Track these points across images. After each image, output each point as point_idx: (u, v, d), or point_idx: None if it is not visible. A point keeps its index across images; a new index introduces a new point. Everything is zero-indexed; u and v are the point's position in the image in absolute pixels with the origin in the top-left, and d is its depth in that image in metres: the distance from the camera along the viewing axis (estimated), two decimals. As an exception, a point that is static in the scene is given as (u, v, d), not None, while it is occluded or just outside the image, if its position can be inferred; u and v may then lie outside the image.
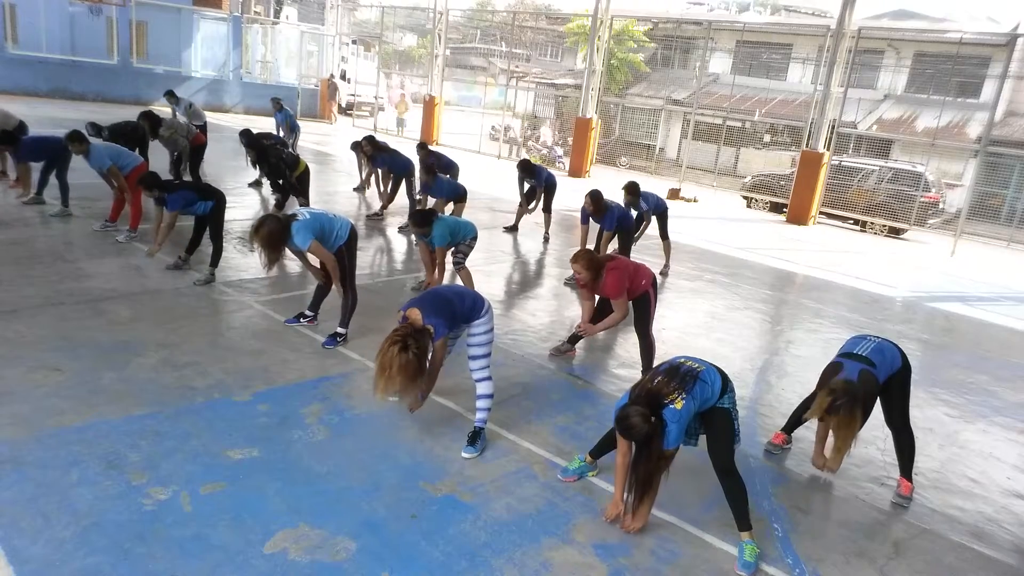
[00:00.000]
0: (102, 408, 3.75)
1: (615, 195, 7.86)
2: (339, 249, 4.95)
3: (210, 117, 15.56)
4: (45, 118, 13.95)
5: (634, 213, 7.78)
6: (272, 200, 9.04)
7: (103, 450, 3.37)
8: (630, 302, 4.83)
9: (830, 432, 3.57)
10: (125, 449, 3.40)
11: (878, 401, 3.89)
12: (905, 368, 3.84)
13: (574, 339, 5.42)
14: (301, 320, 5.31)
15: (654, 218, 8.25)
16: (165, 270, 6.14)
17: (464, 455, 3.72)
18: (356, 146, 10.64)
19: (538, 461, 3.80)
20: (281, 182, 8.51)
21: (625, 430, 2.98)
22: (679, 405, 2.99)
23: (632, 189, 7.90)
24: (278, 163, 8.38)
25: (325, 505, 3.18)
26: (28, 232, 6.87)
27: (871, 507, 3.80)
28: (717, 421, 3.20)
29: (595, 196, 7.08)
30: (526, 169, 9.59)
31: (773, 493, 3.81)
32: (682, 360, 3.25)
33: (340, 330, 5.05)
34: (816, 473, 4.04)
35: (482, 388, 3.80)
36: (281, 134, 12.31)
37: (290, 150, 10.05)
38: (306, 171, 8.52)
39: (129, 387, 4.02)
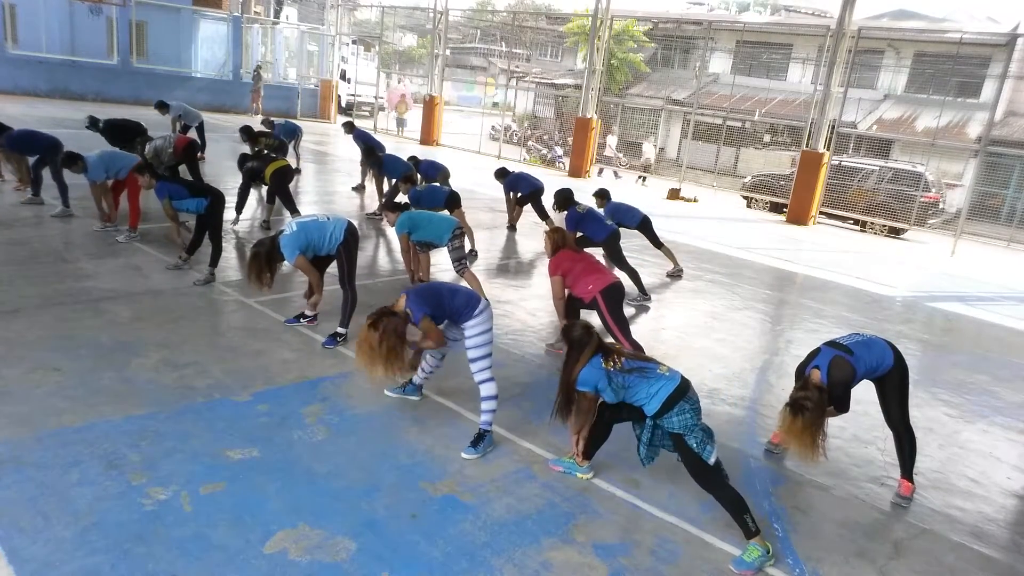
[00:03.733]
0: (102, 408, 3.75)
1: (619, 195, 7.87)
2: (337, 250, 4.96)
3: (210, 118, 15.60)
4: (45, 118, 13.96)
5: (610, 222, 7.44)
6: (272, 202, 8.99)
7: (103, 450, 3.37)
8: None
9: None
10: (125, 449, 3.41)
11: (878, 402, 3.91)
12: (898, 367, 3.81)
13: None
14: (301, 320, 5.31)
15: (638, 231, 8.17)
16: (165, 270, 6.15)
17: (464, 456, 3.72)
18: (348, 124, 11.49)
19: (538, 461, 3.80)
20: (251, 176, 8.05)
21: (566, 328, 3.38)
22: (605, 364, 3.22)
23: (602, 194, 8.19)
24: (255, 157, 8.18)
25: (325, 505, 3.19)
26: (28, 232, 6.87)
27: (871, 507, 3.80)
28: (677, 446, 3.26)
29: (557, 195, 7.64)
30: (501, 176, 9.64)
31: (773, 493, 3.80)
32: (657, 364, 3.31)
33: (340, 330, 5.05)
34: (816, 474, 4.04)
35: (484, 390, 3.80)
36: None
37: (292, 150, 10.07)
38: (281, 171, 7.89)
39: (129, 387, 4.02)
